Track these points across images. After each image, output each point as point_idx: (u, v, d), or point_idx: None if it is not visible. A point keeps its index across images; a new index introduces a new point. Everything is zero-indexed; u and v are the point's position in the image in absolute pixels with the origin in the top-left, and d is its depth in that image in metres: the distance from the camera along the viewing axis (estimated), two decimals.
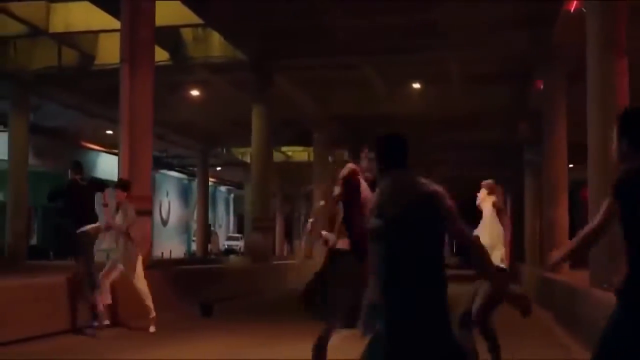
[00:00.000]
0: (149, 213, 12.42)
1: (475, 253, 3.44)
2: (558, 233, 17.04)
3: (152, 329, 9.39)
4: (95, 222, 9.56)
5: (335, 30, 17.22)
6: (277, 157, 33.63)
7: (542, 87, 20.25)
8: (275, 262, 21.97)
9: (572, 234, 17.60)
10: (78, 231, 9.28)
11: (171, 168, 40.45)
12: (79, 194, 9.57)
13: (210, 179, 39.99)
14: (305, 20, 17.09)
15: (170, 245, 38.32)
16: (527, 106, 22.47)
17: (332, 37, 17.63)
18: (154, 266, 13.02)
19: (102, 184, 10.22)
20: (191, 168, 41.31)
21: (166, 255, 34.23)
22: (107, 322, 9.24)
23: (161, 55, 17.84)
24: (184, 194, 46.22)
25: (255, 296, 15.53)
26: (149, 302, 9.38)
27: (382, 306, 3.23)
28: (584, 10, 13.67)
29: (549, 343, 9.37)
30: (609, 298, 7.11)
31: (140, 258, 9.51)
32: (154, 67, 12.63)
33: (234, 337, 9.70)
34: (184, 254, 42.29)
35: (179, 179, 44.91)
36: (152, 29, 12.55)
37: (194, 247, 42.69)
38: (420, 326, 3.18)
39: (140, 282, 9.40)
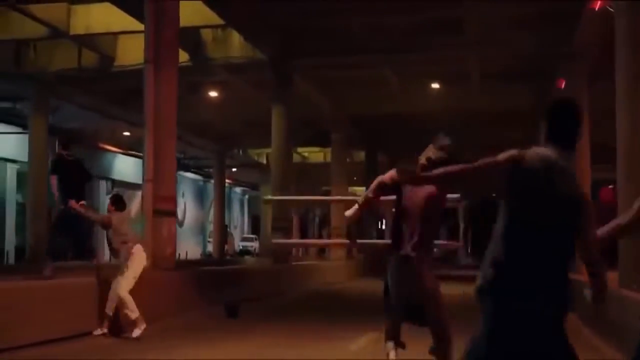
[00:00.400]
0: (173, 214, 12.44)
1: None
2: None
3: (136, 332, 8.83)
4: (82, 199, 9.89)
5: (355, 29, 17.19)
6: (294, 158, 33.61)
7: (563, 86, 20.14)
8: (293, 263, 21.93)
9: None
10: (65, 206, 9.62)
11: (187, 169, 40.56)
12: (65, 168, 9.91)
13: (226, 180, 40.05)
14: (325, 19, 17.09)
15: (186, 246, 38.35)
16: (547, 105, 22.33)
17: (352, 36, 17.62)
18: (177, 267, 13.06)
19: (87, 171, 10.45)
20: (207, 169, 41.39)
21: (182, 256, 34.28)
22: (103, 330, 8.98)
23: (181, 56, 17.86)
24: (200, 195, 46.33)
25: (279, 297, 15.52)
26: (129, 307, 8.81)
27: (497, 289, 3.00)
28: (611, 9, 13.58)
29: (578, 344, 9.20)
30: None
31: (129, 263, 9.01)
32: (177, 67, 12.65)
33: (262, 338, 9.67)
34: (200, 254, 42.37)
35: (195, 180, 45.03)
36: (176, 30, 12.58)
37: (209, 248, 42.76)
38: (536, 322, 2.99)
39: (121, 286, 8.88)
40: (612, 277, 11.03)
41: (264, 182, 45.44)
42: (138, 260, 9.14)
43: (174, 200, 12.50)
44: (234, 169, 42.57)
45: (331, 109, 24.44)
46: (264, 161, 40.17)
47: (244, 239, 51.64)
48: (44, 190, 21.14)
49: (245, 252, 46.62)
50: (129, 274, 8.99)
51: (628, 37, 10.61)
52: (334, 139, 26.28)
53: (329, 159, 35.01)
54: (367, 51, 18.45)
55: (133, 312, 8.83)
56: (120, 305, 8.87)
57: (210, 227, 43.91)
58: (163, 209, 11.99)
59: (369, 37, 17.66)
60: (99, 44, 19.66)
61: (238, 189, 53.21)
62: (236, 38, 19.23)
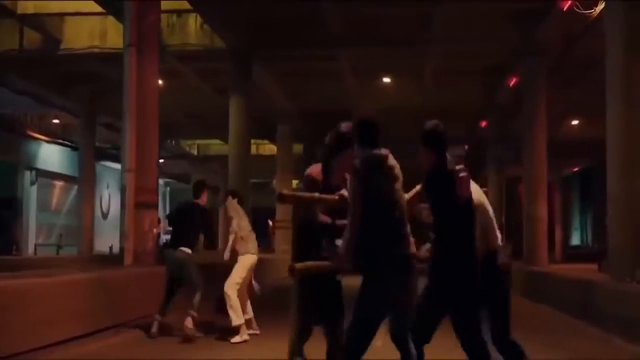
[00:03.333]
0: (155, 206, 11.94)
1: None
2: (539, 227, 17.39)
3: (236, 338, 8.58)
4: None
5: (323, 21, 16.88)
6: (223, 149, 32.97)
7: (512, 83, 20.64)
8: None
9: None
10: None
11: (114, 159, 39.09)
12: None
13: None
14: (292, 9, 16.76)
15: (111, 239, 36.93)
16: (495, 102, 22.90)
17: (319, 28, 17.32)
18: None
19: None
20: None
21: (108, 250, 32.98)
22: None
23: None
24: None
25: None
26: (232, 312, 8.67)
27: None
28: (577, 10, 13.94)
29: (593, 340, 9.25)
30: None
31: (242, 262, 8.90)
32: (159, 52, 12.11)
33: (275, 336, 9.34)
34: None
35: (119, 171, 43.46)
36: (158, 13, 12.08)
37: None
38: None
39: (230, 287, 8.78)
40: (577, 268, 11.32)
41: (195, 174, 44.53)
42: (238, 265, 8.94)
43: (155, 192, 11.99)
44: (161, 160, 41.41)
45: (283, 102, 24.04)
46: (195, 152, 39.40)
47: (167, 232, 50.26)
48: None
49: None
50: (232, 278, 8.83)
51: (620, 36, 10.88)
52: (280, 131, 25.89)
53: (262, 151, 34.69)
54: (333, 44, 18.19)
55: (238, 318, 8.58)
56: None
57: None
58: (145, 201, 11.49)
59: (338, 29, 17.39)
60: (45, 25, 18.52)
61: (161, 181, 51.83)
62: (192, 25, 18.59)
